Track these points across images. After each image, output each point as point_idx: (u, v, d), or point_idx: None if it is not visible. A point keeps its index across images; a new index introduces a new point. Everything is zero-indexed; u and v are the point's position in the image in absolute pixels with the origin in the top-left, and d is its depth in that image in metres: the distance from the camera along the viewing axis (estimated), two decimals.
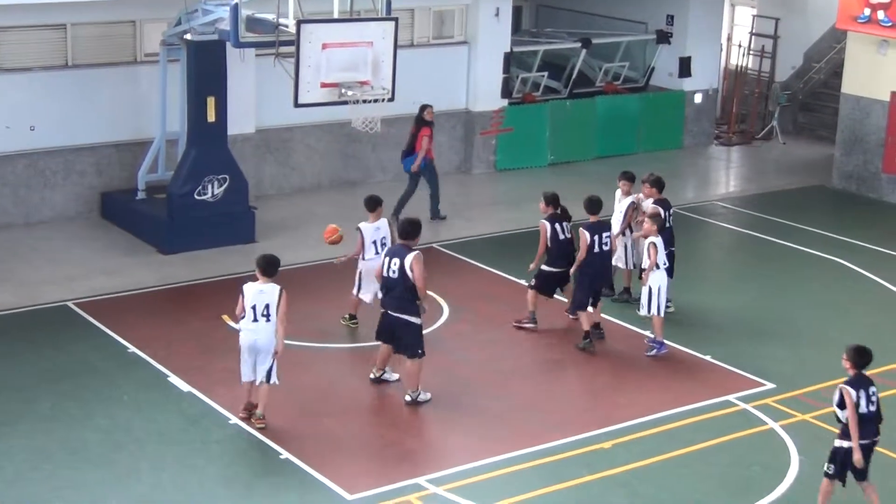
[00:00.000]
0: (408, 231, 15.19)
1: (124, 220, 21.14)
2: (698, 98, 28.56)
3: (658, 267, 16.56)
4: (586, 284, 16.93)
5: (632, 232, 18.17)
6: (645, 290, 16.62)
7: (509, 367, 16.33)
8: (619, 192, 18.44)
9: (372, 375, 15.61)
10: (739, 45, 30.65)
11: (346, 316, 17.58)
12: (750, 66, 30.59)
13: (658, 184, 18.01)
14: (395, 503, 12.84)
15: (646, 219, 16.86)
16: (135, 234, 20.69)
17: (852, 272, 20.27)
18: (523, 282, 19.08)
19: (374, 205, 17.17)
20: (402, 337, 15.03)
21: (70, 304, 17.82)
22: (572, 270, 17.09)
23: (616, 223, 18.16)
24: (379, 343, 15.42)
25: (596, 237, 16.82)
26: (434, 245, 20.86)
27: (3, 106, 20.77)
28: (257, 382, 14.21)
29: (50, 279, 18.70)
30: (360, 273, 17.08)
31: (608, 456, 13.94)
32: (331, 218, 22.11)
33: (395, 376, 15.56)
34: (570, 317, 17.73)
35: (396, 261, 14.84)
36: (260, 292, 14.00)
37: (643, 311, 16.76)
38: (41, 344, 16.50)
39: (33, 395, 15.03)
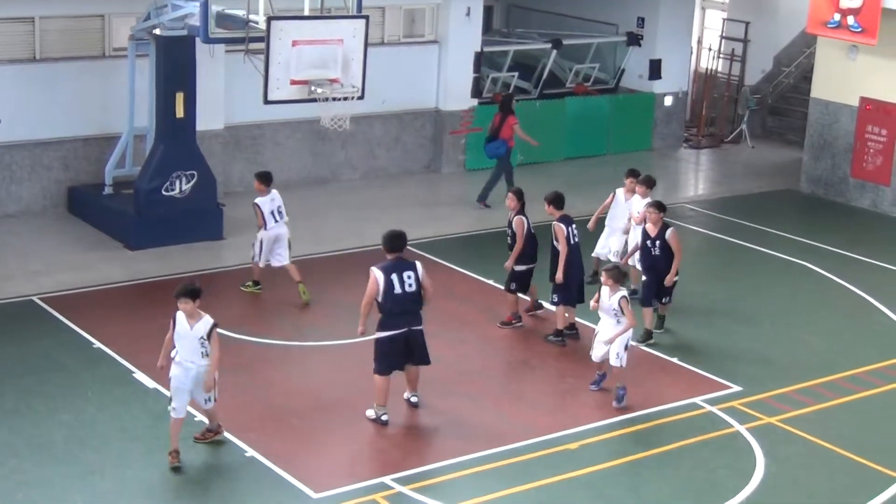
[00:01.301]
0: (401, 244, 14.57)
1: (91, 215, 21.02)
2: (668, 100, 28.64)
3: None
4: (570, 278, 16.95)
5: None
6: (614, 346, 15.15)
7: (477, 367, 16.31)
8: (620, 192, 18.86)
9: (414, 399, 15.01)
10: (710, 49, 30.76)
11: (249, 283, 18.27)
12: (720, 69, 30.70)
13: (648, 181, 18.44)
14: (360, 502, 12.80)
15: (604, 275, 15.17)
16: (102, 230, 20.57)
17: (819, 276, 20.35)
18: (492, 281, 19.09)
19: (268, 180, 18.14)
20: (417, 348, 14.63)
21: (36, 298, 17.68)
22: (560, 270, 16.76)
23: (623, 219, 18.51)
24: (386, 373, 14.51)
25: (569, 229, 16.95)
26: None
27: None
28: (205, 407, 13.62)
29: (15, 273, 18.56)
30: (262, 242, 18.00)
31: (574, 457, 13.93)
32: (299, 215, 22.11)
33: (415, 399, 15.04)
34: (535, 313, 17.83)
35: (411, 274, 14.25)
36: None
37: (615, 362, 15.21)
38: (5, 339, 16.37)
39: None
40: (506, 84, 26.65)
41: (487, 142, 23.39)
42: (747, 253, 21.51)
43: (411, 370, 14.80)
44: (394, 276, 14.17)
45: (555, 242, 16.96)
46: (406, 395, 14.99)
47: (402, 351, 14.48)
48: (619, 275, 15.14)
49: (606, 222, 18.85)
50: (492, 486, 13.24)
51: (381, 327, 14.33)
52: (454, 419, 14.82)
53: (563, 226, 16.90)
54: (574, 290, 17.05)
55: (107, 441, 13.83)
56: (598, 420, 14.81)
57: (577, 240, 17.05)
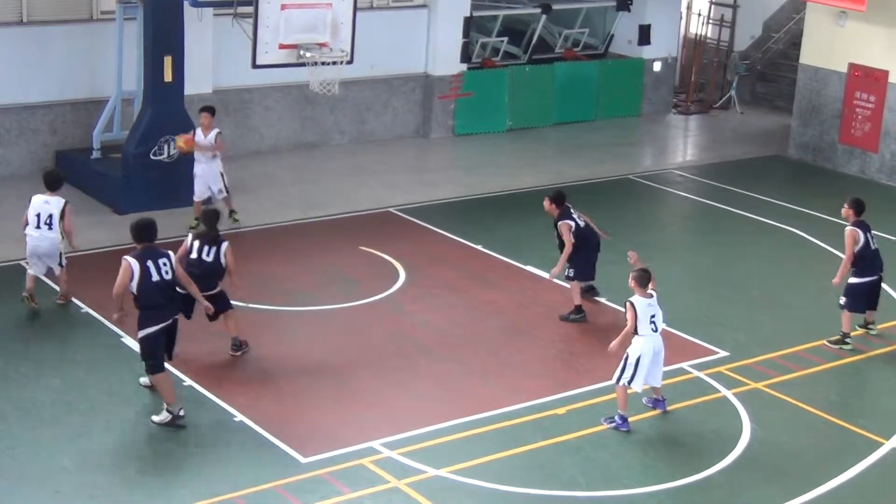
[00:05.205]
0: (151, 234, 13.48)
1: (79, 180, 20.94)
2: (657, 66, 28.59)
3: (637, 332, 13.81)
4: (584, 255, 16.51)
5: None
6: (623, 355, 13.90)
7: (465, 332, 16.34)
8: None
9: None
10: (699, 14, 30.68)
11: (234, 217, 19.62)
12: (709, 35, 30.63)
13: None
14: (348, 466, 12.84)
15: (631, 277, 13.95)
16: (90, 194, 20.52)
17: (807, 242, 20.40)
18: (480, 247, 19.13)
19: (211, 111, 19.31)
20: (173, 339, 13.77)
21: (23, 262, 17.64)
22: (559, 266, 16.38)
23: None
24: None
25: (574, 221, 16.41)
26: (391, 209, 20.83)
27: None
28: (56, 272, 16.33)
29: (3, 237, 18.52)
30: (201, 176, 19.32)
31: (562, 421, 13.99)
32: (288, 180, 22.09)
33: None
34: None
35: (166, 261, 13.34)
36: (45, 203, 16.04)
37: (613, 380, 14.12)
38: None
39: None
40: (495, 49, 26.59)
41: None
42: (735, 219, 21.54)
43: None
44: (149, 263, 13.23)
45: (561, 237, 16.52)
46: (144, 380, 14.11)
47: (164, 344, 13.57)
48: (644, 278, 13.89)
49: None
50: (480, 450, 13.29)
51: (147, 322, 13.33)
52: (442, 383, 14.86)
53: (570, 223, 16.40)
54: (590, 267, 16.74)
55: (95, 405, 13.85)
56: (586, 385, 14.85)
57: (582, 223, 16.56)
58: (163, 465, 12.79)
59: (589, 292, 17.22)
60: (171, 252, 13.64)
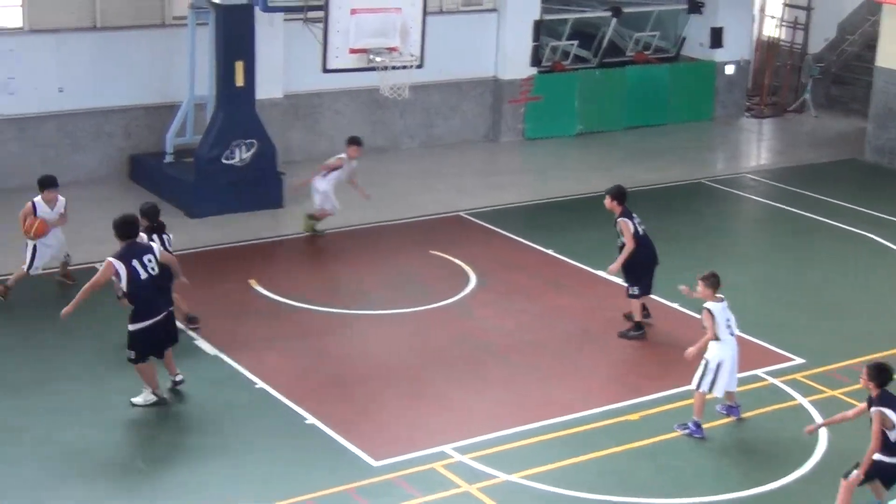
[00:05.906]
0: (134, 230, 13.88)
1: (152, 183, 21.13)
2: (730, 69, 28.31)
3: (718, 338, 13.82)
4: (645, 267, 16.06)
5: None
6: (702, 361, 13.87)
7: (537, 337, 16.24)
8: None
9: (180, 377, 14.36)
10: (772, 16, 30.37)
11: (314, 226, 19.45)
12: (783, 37, 30.32)
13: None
14: (420, 470, 12.81)
15: (699, 281, 13.99)
16: (163, 197, 20.62)
17: (883, 247, 20.10)
18: (551, 251, 19.04)
19: (356, 142, 19.28)
20: (172, 329, 14.32)
21: (98, 266, 17.77)
22: (619, 263, 15.96)
23: None
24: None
25: (634, 222, 15.93)
26: (461, 213, 20.79)
27: (33, 67, 20.76)
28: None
29: (77, 241, 18.62)
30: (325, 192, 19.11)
31: (635, 428, 13.87)
32: (358, 184, 22.11)
33: None
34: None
35: (150, 257, 13.79)
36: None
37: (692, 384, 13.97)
38: (67, 304, 16.50)
39: (60, 355, 15.07)
40: (565, 53, 26.46)
41: None
42: (809, 223, 21.26)
43: (168, 351, 14.27)
44: (135, 262, 13.54)
45: (621, 238, 16.04)
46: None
47: (161, 336, 13.95)
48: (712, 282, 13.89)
49: None
50: (552, 455, 13.21)
51: (140, 317, 13.65)
52: (514, 388, 14.78)
53: (628, 221, 15.96)
54: (650, 279, 16.22)
55: (166, 406, 13.91)
56: (659, 391, 14.71)
57: (643, 230, 16.15)
58: (233, 467, 12.82)
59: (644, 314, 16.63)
60: (156, 244, 14.25)
